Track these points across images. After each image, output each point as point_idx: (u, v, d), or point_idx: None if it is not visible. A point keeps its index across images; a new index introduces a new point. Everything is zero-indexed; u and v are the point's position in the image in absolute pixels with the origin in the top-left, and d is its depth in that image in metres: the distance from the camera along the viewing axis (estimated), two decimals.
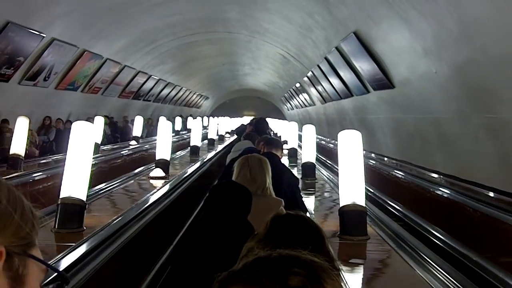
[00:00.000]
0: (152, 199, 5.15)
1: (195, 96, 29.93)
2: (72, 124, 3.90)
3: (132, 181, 6.56)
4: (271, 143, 5.18)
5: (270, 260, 0.87)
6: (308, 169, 6.93)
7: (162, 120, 7.15)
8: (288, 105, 29.89)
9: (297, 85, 20.37)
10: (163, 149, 6.88)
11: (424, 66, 6.73)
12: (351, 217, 3.60)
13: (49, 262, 0.83)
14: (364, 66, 9.15)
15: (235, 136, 17.94)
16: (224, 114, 30.90)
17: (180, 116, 21.82)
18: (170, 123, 7.03)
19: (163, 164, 6.80)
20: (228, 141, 16.57)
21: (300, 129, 12.57)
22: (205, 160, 10.04)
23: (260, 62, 22.27)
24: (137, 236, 4.25)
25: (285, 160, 9.35)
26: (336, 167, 12.08)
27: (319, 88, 15.50)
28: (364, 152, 11.49)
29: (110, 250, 3.50)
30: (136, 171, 7.66)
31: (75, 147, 3.76)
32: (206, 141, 14.28)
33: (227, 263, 0.99)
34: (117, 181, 6.43)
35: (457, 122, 6.53)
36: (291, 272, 0.83)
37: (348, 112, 13.59)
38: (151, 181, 6.52)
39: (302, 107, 23.78)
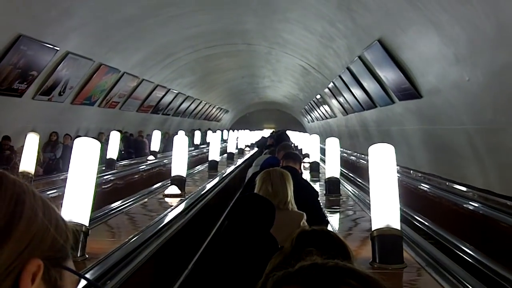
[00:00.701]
0: (165, 220, 4.79)
1: (214, 109, 29.71)
2: (74, 140, 3.56)
3: (146, 199, 6.20)
4: (289, 156, 5.05)
5: (326, 267, 0.88)
6: (333, 185, 6.52)
7: (178, 135, 6.81)
8: (309, 117, 29.50)
9: (318, 96, 19.99)
10: (178, 165, 6.54)
11: (455, 73, 6.30)
12: (385, 243, 3.19)
13: None
14: (389, 75, 8.74)
15: (255, 149, 17.64)
16: (244, 127, 30.71)
17: (199, 129, 21.50)
18: (186, 138, 6.69)
19: (179, 181, 6.46)
20: (248, 154, 16.21)
21: (322, 142, 12.22)
22: (224, 175, 9.68)
23: (279, 74, 21.94)
24: (145, 265, 3.88)
25: (306, 175, 9.00)
26: (359, 180, 11.70)
27: (341, 99, 15.08)
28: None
29: (115, 281, 3.14)
30: (153, 187, 7.31)
31: (77, 167, 3.42)
32: (225, 155, 13.94)
33: (250, 276, 1.02)
34: (130, 200, 6.07)
35: (492, 133, 6.08)
36: (345, 283, 0.84)
37: (370, 124, 13.15)
38: (166, 199, 6.18)
39: (322, 119, 23.36)
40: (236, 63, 19.75)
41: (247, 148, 18.54)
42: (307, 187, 4.66)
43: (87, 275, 3.03)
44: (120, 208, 5.44)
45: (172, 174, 6.53)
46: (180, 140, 6.64)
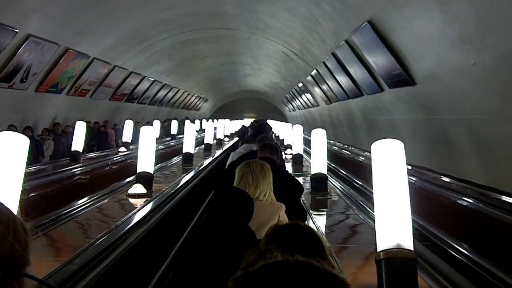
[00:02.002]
0: (123, 228, 4.01)
1: (193, 98, 28.83)
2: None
3: (106, 200, 5.41)
4: (266, 147, 4.89)
5: (288, 264, 0.89)
6: (319, 182, 5.80)
7: (145, 126, 6.02)
8: (290, 106, 28.82)
9: (300, 85, 19.29)
10: (145, 160, 5.76)
11: (457, 56, 5.58)
12: (395, 268, 2.46)
13: None
14: (379, 60, 8.02)
15: (235, 139, 16.83)
16: (225, 116, 30.10)
17: (175, 119, 20.62)
18: (153, 128, 5.91)
19: (145, 178, 5.68)
20: (227, 145, 15.42)
21: (305, 132, 11.51)
22: (200, 169, 8.92)
23: (260, 61, 21.14)
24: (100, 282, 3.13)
25: (288, 168, 8.32)
26: (343, 171, 11.01)
27: (324, 87, 14.36)
28: (369, 153, 10.30)
29: None
30: (117, 185, 6.50)
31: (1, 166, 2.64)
32: (203, 146, 13.16)
33: (229, 269, 1.01)
34: (86, 201, 5.26)
35: (500, 124, 5.39)
36: (304, 281, 0.85)
37: (356, 113, 12.45)
38: (130, 199, 5.40)
39: (304, 108, 22.67)
40: (215, 50, 18.89)
41: (226, 139, 17.69)
42: (286, 178, 4.57)
43: None
44: (72, 212, 4.65)
45: (138, 171, 5.75)
46: (147, 132, 5.86)
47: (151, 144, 5.84)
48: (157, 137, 15.39)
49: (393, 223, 2.52)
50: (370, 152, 2.59)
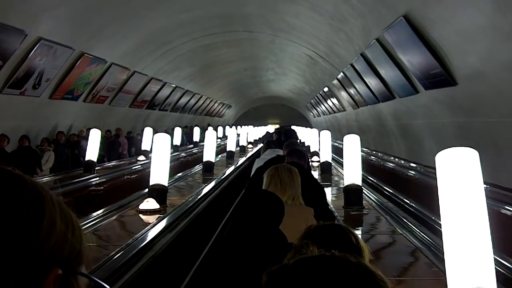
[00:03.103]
0: (124, 256, 3.41)
1: (216, 104, 28.33)
2: None
3: (115, 217, 4.82)
4: (293, 153, 4.82)
5: (324, 259, 0.89)
6: (353, 195, 5.15)
7: (159, 133, 5.44)
8: (314, 111, 28.19)
9: (325, 89, 18.67)
10: (158, 171, 5.18)
11: (510, 51, 4.90)
12: None
13: None
14: (415, 59, 7.35)
15: (259, 146, 16.21)
16: (248, 123, 29.80)
17: (197, 125, 20.10)
18: (168, 136, 5.32)
19: (159, 192, 5.09)
20: (250, 152, 14.82)
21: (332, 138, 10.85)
22: (221, 179, 8.33)
23: (284, 65, 20.53)
24: None
25: (316, 177, 7.70)
26: (374, 180, 10.23)
27: (352, 91, 13.69)
28: (403, 162, 9.33)
29: None
30: (128, 199, 5.90)
31: None
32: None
33: (259, 273, 0.96)
34: (91, 219, 4.66)
35: None
36: (341, 276, 0.84)
37: (386, 118, 11.74)
38: (141, 216, 4.82)
39: (330, 113, 21.99)
40: (237, 54, 18.33)
41: (250, 146, 17.07)
42: (314, 182, 4.54)
43: None
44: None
45: (151, 183, 5.17)
46: (161, 140, 5.28)
47: (165, 153, 5.26)
48: (179, 144, 14.91)
49: (470, 260, 1.88)
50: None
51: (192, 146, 17.29)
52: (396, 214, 4.96)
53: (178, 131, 15.02)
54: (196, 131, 18.50)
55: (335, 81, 15.01)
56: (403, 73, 8.35)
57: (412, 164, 10.00)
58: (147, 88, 15.55)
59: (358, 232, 4.27)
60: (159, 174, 5.16)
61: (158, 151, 5.24)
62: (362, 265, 0.86)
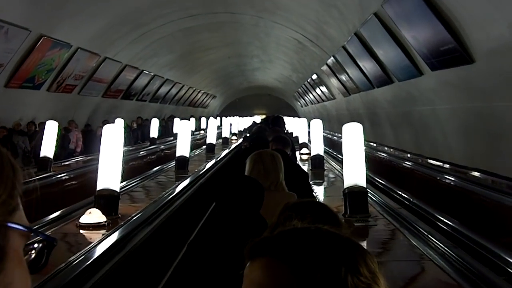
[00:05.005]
0: None
1: (200, 94, 27.13)
2: None
3: (50, 232, 3.67)
4: (278, 140, 5.03)
5: (309, 231, 0.88)
6: (357, 199, 4.03)
7: (106, 125, 4.30)
8: (302, 101, 27.10)
9: (314, 76, 17.60)
10: (107, 173, 4.04)
11: None
12: None
13: None
14: (422, 35, 6.26)
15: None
16: (234, 113, 28.82)
17: (176, 117, 18.93)
18: (120, 132, 4.18)
19: (106, 200, 3.96)
20: (234, 145, 13.67)
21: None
22: (197, 176, 7.22)
23: (270, 52, 19.37)
24: None
25: (305, 169, 6.69)
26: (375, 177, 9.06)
27: (343, 77, 12.59)
28: (409, 155, 8.25)
29: None
30: (73, 207, 4.75)
31: None
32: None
33: (240, 257, 0.96)
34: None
35: None
36: (324, 245, 0.84)
37: (383, 105, 10.65)
38: (82, 231, 3.68)
39: (318, 102, 20.92)
40: (220, 39, 17.12)
41: (234, 137, 15.91)
42: (297, 168, 4.62)
43: None
44: None
45: (98, 188, 4.03)
46: (110, 133, 4.14)
47: (117, 149, 4.12)
48: (156, 136, 13.76)
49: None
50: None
51: (172, 138, 16.11)
52: (412, 223, 3.85)
53: (155, 122, 13.81)
54: (176, 122, 17.31)
55: (325, 67, 13.90)
56: (405, 53, 7.27)
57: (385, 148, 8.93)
58: (121, 76, 14.36)
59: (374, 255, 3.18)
60: (109, 176, 4.02)
61: (108, 146, 4.09)
62: (347, 237, 0.87)
